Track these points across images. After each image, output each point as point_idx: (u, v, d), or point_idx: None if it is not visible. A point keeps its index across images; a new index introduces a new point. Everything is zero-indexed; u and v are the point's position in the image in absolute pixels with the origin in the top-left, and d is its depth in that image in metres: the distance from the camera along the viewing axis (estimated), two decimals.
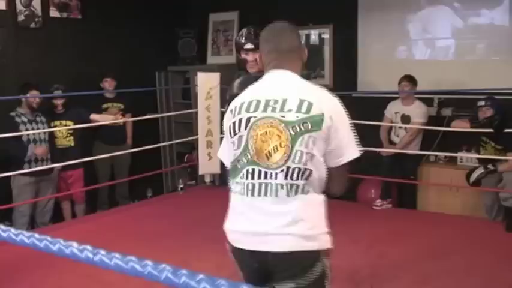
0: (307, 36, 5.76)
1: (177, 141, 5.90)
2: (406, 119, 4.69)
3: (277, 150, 1.55)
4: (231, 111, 1.69)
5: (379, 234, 4.00)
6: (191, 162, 5.87)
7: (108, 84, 5.12)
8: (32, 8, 4.89)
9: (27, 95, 4.27)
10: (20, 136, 4.21)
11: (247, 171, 1.59)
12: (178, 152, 6.27)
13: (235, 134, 1.63)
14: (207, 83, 5.02)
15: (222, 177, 5.84)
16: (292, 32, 1.76)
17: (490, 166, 4.00)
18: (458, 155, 4.70)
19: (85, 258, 0.90)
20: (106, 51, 5.48)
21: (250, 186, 1.59)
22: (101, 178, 5.16)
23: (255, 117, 1.60)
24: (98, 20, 5.44)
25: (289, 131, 1.54)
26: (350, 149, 1.61)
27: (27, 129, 4.25)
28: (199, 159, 4.94)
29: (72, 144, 4.68)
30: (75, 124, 4.65)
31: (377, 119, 4.80)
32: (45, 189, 4.48)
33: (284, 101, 1.58)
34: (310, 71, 5.72)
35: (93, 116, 4.69)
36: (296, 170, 1.54)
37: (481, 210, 4.37)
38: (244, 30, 2.92)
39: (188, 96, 6.04)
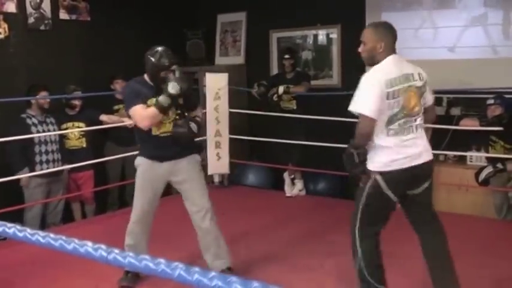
0: (315, 37, 5.76)
1: None
2: None
3: (417, 104, 2.54)
4: (386, 83, 2.50)
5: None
6: None
7: (119, 85, 5.15)
8: (41, 11, 4.94)
9: (37, 96, 4.31)
10: (31, 138, 4.25)
11: (404, 120, 2.52)
12: None
13: (394, 98, 2.47)
14: (215, 83, 5.04)
15: (231, 178, 5.87)
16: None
17: (499, 165, 3.95)
18: (467, 154, 4.67)
19: (99, 257, 0.92)
20: (115, 53, 5.52)
21: (405, 130, 2.54)
22: (112, 179, 5.18)
23: (404, 85, 2.51)
24: (107, 22, 5.48)
25: (419, 91, 2.55)
26: (432, 95, 2.71)
27: (37, 131, 4.28)
28: (208, 159, 4.96)
29: (84, 146, 4.71)
30: (87, 125, 4.68)
31: None
32: (56, 190, 4.52)
33: (412, 74, 2.54)
34: (317, 71, 5.73)
35: (101, 117, 4.73)
36: (421, 115, 2.60)
37: (490, 209, 4.34)
38: (160, 51, 2.97)
39: (196, 97, 6.05)
